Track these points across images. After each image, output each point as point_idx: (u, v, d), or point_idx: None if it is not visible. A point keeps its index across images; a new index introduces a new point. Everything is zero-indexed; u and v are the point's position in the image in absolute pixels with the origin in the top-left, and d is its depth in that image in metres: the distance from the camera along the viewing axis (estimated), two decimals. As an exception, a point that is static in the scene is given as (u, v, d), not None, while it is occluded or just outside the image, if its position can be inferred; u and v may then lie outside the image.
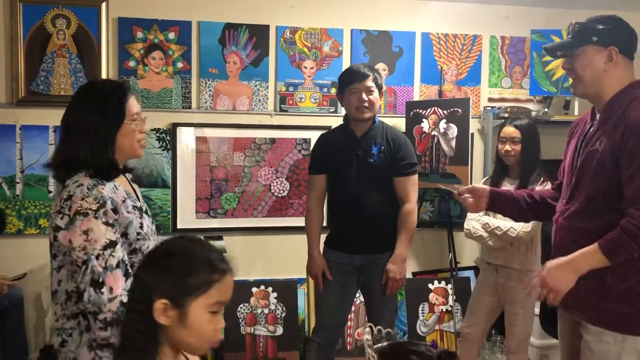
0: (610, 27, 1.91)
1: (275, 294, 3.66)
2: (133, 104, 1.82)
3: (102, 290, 1.62)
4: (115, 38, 3.57)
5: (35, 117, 3.50)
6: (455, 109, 3.60)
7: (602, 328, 1.86)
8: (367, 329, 1.53)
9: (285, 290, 3.68)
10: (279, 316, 3.63)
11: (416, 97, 3.97)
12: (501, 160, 3.06)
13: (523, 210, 2.21)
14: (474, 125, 3.97)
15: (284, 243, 3.82)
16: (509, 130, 3.00)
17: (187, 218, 3.72)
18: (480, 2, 3.96)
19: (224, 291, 1.32)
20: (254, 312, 3.61)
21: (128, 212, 1.76)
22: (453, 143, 3.61)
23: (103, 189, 1.70)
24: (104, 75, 3.53)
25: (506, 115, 3.77)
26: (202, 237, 1.40)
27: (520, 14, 4.03)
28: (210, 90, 3.70)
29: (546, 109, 3.93)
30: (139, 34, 3.59)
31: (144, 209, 1.88)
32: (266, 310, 3.63)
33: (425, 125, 3.72)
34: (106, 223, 1.67)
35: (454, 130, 3.60)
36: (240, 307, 3.60)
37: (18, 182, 3.50)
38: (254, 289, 3.65)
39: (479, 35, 4.04)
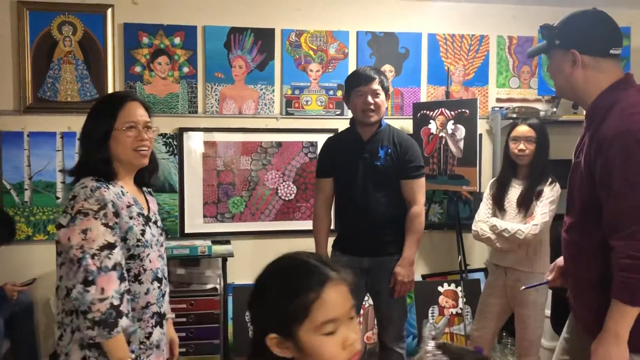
0: (570, 27, 1.78)
1: (283, 298, 3.64)
2: (129, 111, 1.85)
3: (89, 289, 1.66)
4: (121, 44, 3.59)
5: (43, 124, 3.52)
6: (463, 110, 3.57)
7: None
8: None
9: (294, 294, 3.66)
10: (287, 320, 3.61)
11: (423, 99, 3.95)
12: (510, 160, 3.02)
13: None
14: (482, 126, 3.94)
15: (292, 247, 3.74)
16: (523, 129, 2.97)
17: (195, 223, 3.72)
18: (486, 2, 3.93)
19: (330, 307, 1.13)
20: (262, 317, 3.59)
21: (130, 218, 1.79)
22: (461, 144, 3.58)
23: (105, 191, 1.75)
24: (110, 81, 3.54)
25: (514, 115, 3.74)
26: (298, 254, 1.27)
27: (527, 13, 3.99)
28: (216, 95, 3.70)
29: (554, 109, 3.90)
30: (145, 40, 3.60)
31: (152, 219, 1.91)
32: (274, 315, 3.61)
33: (433, 126, 3.70)
34: (106, 225, 1.72)
35: (461, 131, 3.57)
36: (248, 312, 3.58)
37: (26, 189, 3.52)
38: (262, 293, 3.63)
39: (486, 35, 4.01)
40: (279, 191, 3.81)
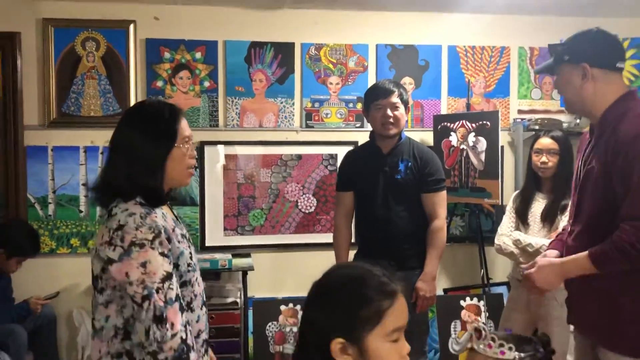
0: (580, 42, 1.88)
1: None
2: (185, 127, 1.67)
3: (166, 326, 1.49)
4: (143, 59, 3.63)
5: (66, 138, 3.57)
6: (484, 122, 3.54)
7: (618, 354, 1.79)
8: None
9: (314, 307, 3.64)
10: (307, 334, 3.59)
11: (444, 111, 3.93)
12: (534, 173, 2.98)
13: None
14: (503, 138, 3.90)
15: (312, 260, 3.79)
16: (546, 142, 2.93)
17: (216, 236, 3.72)
18: (507, 13, 3.90)
19: (399, 315, 1.20)
20: (282, 330, 3.58)
21: (179, 242, 1.63)
22: (482, 156, 3.55)
23: (156, 217, 1.57)
24: (132, 96, 3.59)
25: (537, 127, 3.69)
26: (362, 263, 1.30)
27: (550, 23, 3.95)
28: (237, 108, 3.72)
29: (578, 120, 3.83)
30: (167, 54, 3.64)
31: (188, 237, 1.74)
32: (295, 329, 3.60)
33: (454, 138, 3.67)
34: (162, 254, 1.54)
35: (483, 144, 3.54)
36: (269, 325, 3.57)
37: (50, 203, 3.57)
38: (283, 307, 3.62)
39: (507, 46, 3.98)
40: (299, 204, 3.81)
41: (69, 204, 3.59)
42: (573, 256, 1.82)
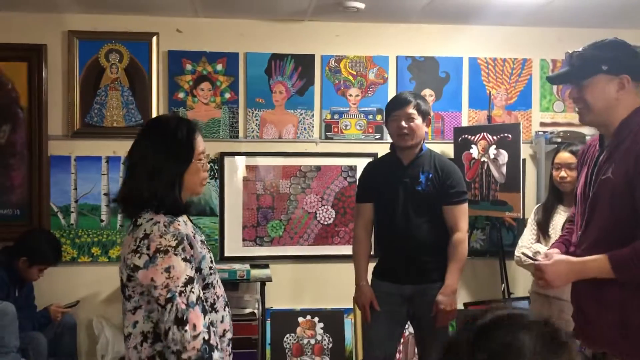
0: (620, 53, 1.83)
1: (321, 324, 3.60)
2: (200, 142, 1.78)
3: (186, 328, 1.58)
4: (165, 70, 3.68)
5: (89, 149, 3.62)
6: (506, 135, 3.50)
7: None
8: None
9: (332, 320, 3.63)
10: (325, 347, 3.57)
11: (464, 123, 3.90)
12: (556, 187, 2.94)
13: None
14: (525, 151, 3.85)
15: (330, 272, 3.78)
16: (565, 156, 2.89)
17: (235, 246, 3.73)
18: (529, 25, 3.88)
19: None
20: (300, 343, 3.56)
21: (200, 247, 1.73)
22: (504, 169, 3.51)
23: (179, 224, 1.68)
24: (154, 107, 3.63)
25: (559, 140, 3.65)
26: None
27: (572, 35, 3.91)
28: (257, 120, 3.74)
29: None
30: (188, 66, 3.69)
31: (205, 243, 1.84)
32: (312, 341, 3.58)
33: (475, 151, 3.64)
34: (185, 259, 1.64)
35: (504, 156, 3.50)
36: (287, 337, 3.56)
37: (72, 212, 3.61)
38: (300, 319, 3.60)
39: (529, 58, 3.95)
40: (317, 215, 3.80)
41: (90, 214, 3.63)
42: (592, 257, 1.77)
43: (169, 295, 1.59)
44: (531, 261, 2.10)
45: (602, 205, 1.80)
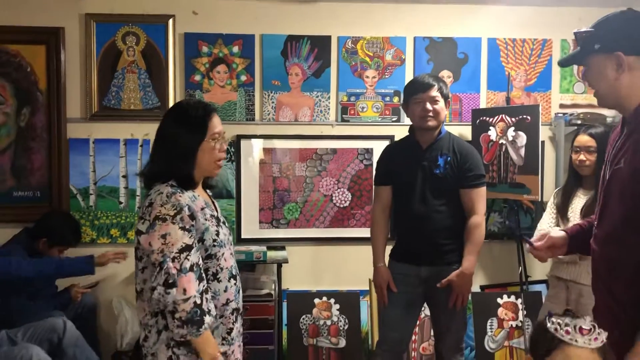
0: (611, 28, 1.65)
1: (337, 306, 3.62)
2: (215, 123, 1.94)
3: (170, 290, 1.75)
4: (182, 53, 3.68)
5: (107, 131, 3.65)
6: (524, 116, 3.46)
7: None
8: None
9: (348, 302, 3.64)
10: (341, 328, 3.60)
11: (482, 105, 3.85)
12: (575, 170, 2.90)
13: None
14: (544, 133, 3.81)
15: (346, 254, 3.79)
16: (583, 139, 2.85)
17: (251, 228, 3.75)
18: (549, 4, 3.80)
19: None
20: (316, 324, 3.59)
21: (205, 220, 1.87)
22: (522, 152, 3.47)
23: (180, 196, 1.83)
24: (170, 90, 3.64)
25: (579, 122, 3.59)
26: None
27: (595, 15, 3.80)
28: (273, 102, 3.74)
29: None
30: (204, 49, 3.68)
31: (221, 220, 1.99)
32: (328, 322, 3.60)
33: (493, 133, 3.60)
34: (183, 228, 1.80)
35: (523, 139, 3.46)
36: (303, 318, 3.59)
37: (91, 194, 3.66)
38: (316, 300, 3.63)
39: (549, 39, 3.87)
40: (333, 198, 3.80)
41: (109, 196, 3.67)
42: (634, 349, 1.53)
43: (161, 259, 1.77)
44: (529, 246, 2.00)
45: (614, 197, 1.67)
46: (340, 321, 3.60)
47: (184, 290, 1.75)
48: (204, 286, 1.82)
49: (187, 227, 1.81)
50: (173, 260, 1.76)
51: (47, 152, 3.60)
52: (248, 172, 3.74)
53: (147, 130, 3.65)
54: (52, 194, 3.61)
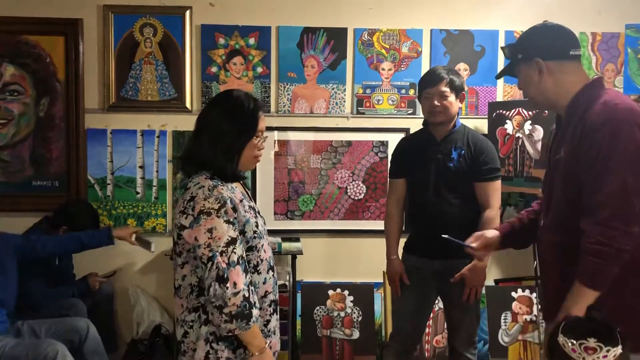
0: (528, 38, 1.90)
1: (351, 298, 3.64)
2: (263, 120, 1.90)
3: (227, 285, 1.71)
4: (199, 45, 3.70)
5: (124, 122, 3.68)
6: (541, 110, 3.43)
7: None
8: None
9: (362, 293, 3.66)
10: (355, 320, 3.61)
11: (499, 98, 3.83)
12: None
13: (527, 233, 2.12)
14: (561, 127, 3.77)
15: (360, 246, 3.80)
16: None
17: (266, 219, 3.74)
18: (568, -4, 3.76)
19: None
20: (330, 315, 3.61)
21: (245, 212, 1.83)
22: (539, 145, 3.45)
23: (222, 189, 1.79)
24: (187, 81, 3.66)
25: (597, 115, 3.56)
26: None
27: (614, 7, 3.79)
28: (288, 94, 3.74)
29: None
30: (221, 40, 3.70)
31: (257, 210, 1.95)
32: (342, 314, 3.62)
33: (509, 126, 3.58)
34: (227, 221, 1.76)
35: (539, 132, 3.44)
36: (317, 309, 3.61)
37: (109, 184, 3.70)
38: (330, 292, 3.65)
39: (568, 31, 3.83)
40: (348, 190, 3.81)
41: (126, 186, 3.71)
42: (569, 295, 1.72)
43: (210, 254, 1.72)
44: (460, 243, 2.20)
45: (557, 187, 1.82)
46: (354, 313, 3.62)
47: (235, 284, 1.72)
48: (249, 279, 1.79)
49: (231, 220, 1.77)
50: (221, 254, 1.72)
51: (65, 142, 3.65)
52: (263, 164, 3.75)
53: (164, 122, 3.69)
54: (70, 184, 3.66)
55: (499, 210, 2.75)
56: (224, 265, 1.72)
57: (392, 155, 2.96)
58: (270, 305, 1.92)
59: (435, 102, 2.65)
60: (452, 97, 2.68)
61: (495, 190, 2.71)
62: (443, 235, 2.30)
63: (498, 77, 2.11)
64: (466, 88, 3.74)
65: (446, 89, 2.66)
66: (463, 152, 2.70)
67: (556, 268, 1.85)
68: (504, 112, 3.61)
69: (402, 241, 2.92)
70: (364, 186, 3.81)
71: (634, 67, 3.66)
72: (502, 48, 1.99)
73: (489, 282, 3.57)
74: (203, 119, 1.89)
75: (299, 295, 3.62)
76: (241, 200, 1.84)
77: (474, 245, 2.18)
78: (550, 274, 1.91)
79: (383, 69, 3.77)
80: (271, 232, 3.69)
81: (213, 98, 2.00)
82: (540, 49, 1.84)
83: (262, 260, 1.88)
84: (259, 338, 1.80)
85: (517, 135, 3.55)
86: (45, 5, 3.60)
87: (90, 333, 2.98)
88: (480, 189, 2.70)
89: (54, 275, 3.29)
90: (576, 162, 1.72)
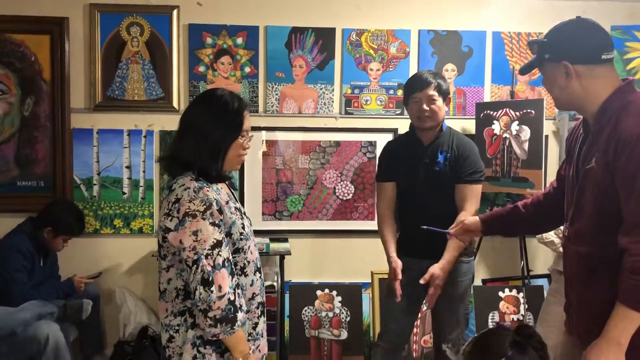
0: (558, 39, 1.74)
1: (339, 298, 3.64)
2: (248, 119, 1.86)
3: (212, 288, 1.67)
4: (186, 44, 3.67)
5: (111, 122, 3.65)
6: (528, 110, 3.45)
7: None
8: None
9: (350, 294, 3.66)
10: (343, 320, 3.61)
11: (487, 98, 3.85)
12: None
13: (518, 223, 2.08)
14: (548, 127, 3.80)
15: (349, 246, 3.80)
16: None
17: (254, 220, 3.75)
18: (555, -2, 3.79)
19: None
20: (318, 315, 3.60)
21: (231, 213, 1.80)
22: (526, 146, 3.47)
23: (208, 191, 1.75)
24: (174, 81, 3.64)
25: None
26: None
27: (599, 9, 3.82)
28: (276, 94, 3.73)
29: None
30: (209, 40, 3.68)
31: (242, 211, 1.92)
32: (330, 314, 3.62)
33: (496, 127, 3.60)
34: (213, 224, 1.72)
35: (526, 133, 3.45)
36: (305, 310, 3.60)
37: (95, 184, 3.66)
38: (319, 292, 3.64)
39: (554, 32, 3.86)
40: (336, 190, 3.81)
41: (112, 186, 3.68)
42: (610, 319, 1.58)
43: (195, 257, 1.69)
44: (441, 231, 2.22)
45: (586, 197, 1.70)
46: (342, 313, 3.62)
47: (220, 287, 1.68)
48: (235, 281, 1.75)
49: (217, 222, 1.73)
50: (206, 257, 1.68)
51: (51, 142, 3.61)
52: (251, 164, 3.74)
53: (151, 121, 3.66)
54: (56, 184, 3.62)
55: (473, 214, 2.68)
56: (209, 269, 1.68)
57: (380, 159, 2.95)
58: (258, 308, 1.89)
59: (424, 107, 2.64)
60: (439, 101, 2.67)
61: (473, 193, 2.68)
62: (422, 227, 2.31)
63: (522, 72, 1.93)
64: (454, 89, 3.78)
65: (434, 93, 2.65)
66: (448, 155, 2.70)
67: (583, 279, 1.75)
68: (492, 112, 3.62)
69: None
70: (353, 186, 3.81)
71: (619, 68, 3.69)
72: (528, 43, 1.84)
73: (477, 282, 3.59)
74: (187, 118, 1.85)
75: (287, 296, 3.61)
76: (227, 202, 1.81)
77: (452, 231, 2.19)
78: (574, 285, 1.80)
79: (371, 69, 3.78)
80: (259, 233, 3.70)
81: (197, 97, 1.96)
82: (569, 51, 1.70)
83: (248, 262, 1.85)
84: (243, 343, 1.76)
85: (504, 136, 3.56)
86: (30, 3, 3.56)
87: (50, 343, 2.91)
88: (459, 190, 2.68)
89: (38, 276, 3.25)
90: (610, 174, 1.61)
